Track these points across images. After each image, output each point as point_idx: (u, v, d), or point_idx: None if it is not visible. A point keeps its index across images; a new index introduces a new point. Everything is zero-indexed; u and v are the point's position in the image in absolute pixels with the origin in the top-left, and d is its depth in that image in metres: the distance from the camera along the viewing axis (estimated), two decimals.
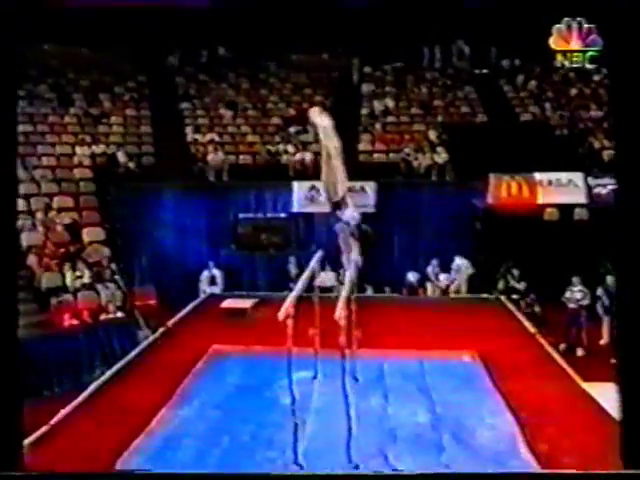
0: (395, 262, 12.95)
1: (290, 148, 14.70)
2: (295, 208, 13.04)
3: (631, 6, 3.84)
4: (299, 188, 13.04)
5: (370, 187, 12.98)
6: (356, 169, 13.94)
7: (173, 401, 6.35)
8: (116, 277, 10.56)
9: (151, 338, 8.58)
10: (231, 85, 17.46)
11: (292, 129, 15.56)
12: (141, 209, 12.55)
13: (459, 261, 12.00)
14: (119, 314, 9.72)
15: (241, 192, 13.24)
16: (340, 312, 5.15)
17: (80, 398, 6.43)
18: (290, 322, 5.34)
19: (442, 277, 12.63)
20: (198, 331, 8.98)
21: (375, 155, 14.74)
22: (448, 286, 12.58)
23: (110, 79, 16.85)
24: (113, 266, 10.69)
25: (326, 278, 12.31)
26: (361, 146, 14.99)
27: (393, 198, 13.07)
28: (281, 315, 5.24)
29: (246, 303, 9.99)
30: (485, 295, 11.12)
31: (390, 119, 16.03)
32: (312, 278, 7.01)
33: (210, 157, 14.10)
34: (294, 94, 17.30)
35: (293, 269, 12.46)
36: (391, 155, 14.62)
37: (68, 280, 10.22)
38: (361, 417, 6.02)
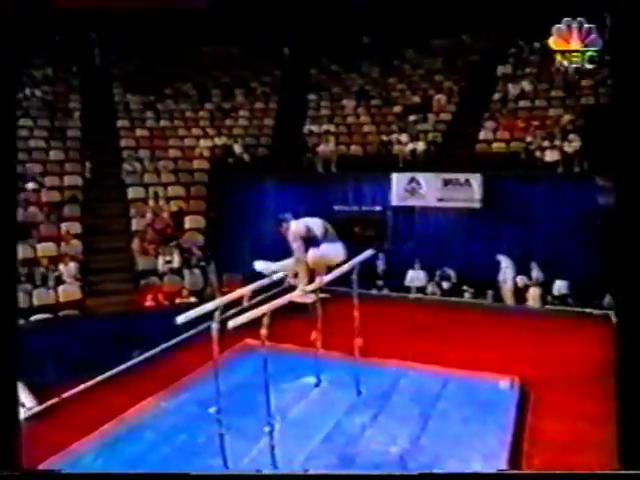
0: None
1: (403, 137, 13.98)
2: (394, 201, 12.37)
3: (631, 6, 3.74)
4: (398, 180, 12.33)
5: (476, 180, 11.77)
6: (469, 160, 12.88)
7: (166, 391, 6.49)
8: (202, 263, 11.11)
9: (203, 326, 8.84)
10: (361, 74, 17.16)
11: (412, 117, 14.82)
12: (244, 199, 12.99)
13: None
14: (192, 299, 10.22)
15: (340, 184, 12.98)
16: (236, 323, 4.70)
17: (94, 380, 6.90)
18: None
19: (557, 284, 11.02)
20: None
21: (494, 145, 13.29)
22: (565, 296, 10.95)
23: (249, 74, 17.68)
24: (200, 253, 11.26)
25: (415, 277, 11.58)
26: (482, 135, 13.64)
27: (502, 193, 11.68)
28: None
29: (311, 298, 9.74)
30: (590, 310, 9.41)
31: (522, 103, 14.32)
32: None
33: (320, 148, 14.05)
34: (423, 81, 16.41)
35: (381, 265, 11.91)
36: (512, 144, 13.06)
37: (160, 264, 11.05)
38: (332, 436, 5.55)
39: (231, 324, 4.63)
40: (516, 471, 4.72)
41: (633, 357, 3.62)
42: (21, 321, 9.47)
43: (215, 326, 4.89)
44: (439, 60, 17.01)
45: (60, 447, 5.60)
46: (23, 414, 6.59)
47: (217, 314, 4.94)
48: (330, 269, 5.80)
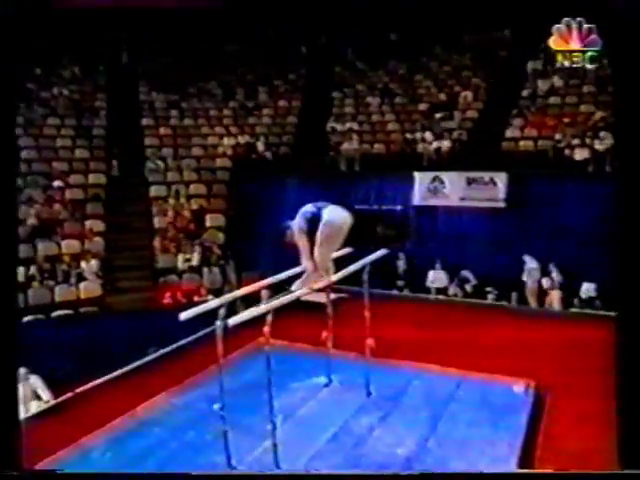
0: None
1: (428, 136, 13.75)
2: (416, 200, 12.17)
3: (631, 6, 3.72)
4: (421, 179, 12.12)
5: (501, 179, 11.48)
6: (495, 158, 12.57)
7: (177, 389, 6.49)
8: (221, 262, 11.12)
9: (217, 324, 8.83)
10: (387, 72, 16.96)
11: (437, 115, 14.58)
12: (266, 198, 12.94)
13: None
14: (210, 297, 10.21)
15: (363, 183, 12.82)
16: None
17: (110, 375, 6.95)
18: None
19: (584, 287, 10.67)
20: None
21: (521, 143, 12.95)
22: (592, 299, 10.60)
23: (273, 72, 17.63)
24: (220, 252, 11.27)
25: (436, 278, 11.37)
26: (509, 132, 13.32)
27: (528, 192, 11.34)
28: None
29: (325, 298, 9.65)
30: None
31: (552, 100, 13.93)
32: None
33: (344, 146, 13.94)
34: (450, 78, 16.12)
35: (402, 265, 11.73)
36: (540, 142, 12.71)
37: (179, 262, 11.09)
38: (339, 436, 5.44)
39: (231, 322, 4.57)
40: (517, 471, 4.62)
41: (633, 357, 3.61)
42: (42, 317, 9.66)
43: (219, 324, 4.83)
44: (467, 56, 16.71)
45: (72, 440, 5.64)
46: (38, 408, 6.69)
47: (222, 312, 4.88)
48: (339, 266, 5.68)
